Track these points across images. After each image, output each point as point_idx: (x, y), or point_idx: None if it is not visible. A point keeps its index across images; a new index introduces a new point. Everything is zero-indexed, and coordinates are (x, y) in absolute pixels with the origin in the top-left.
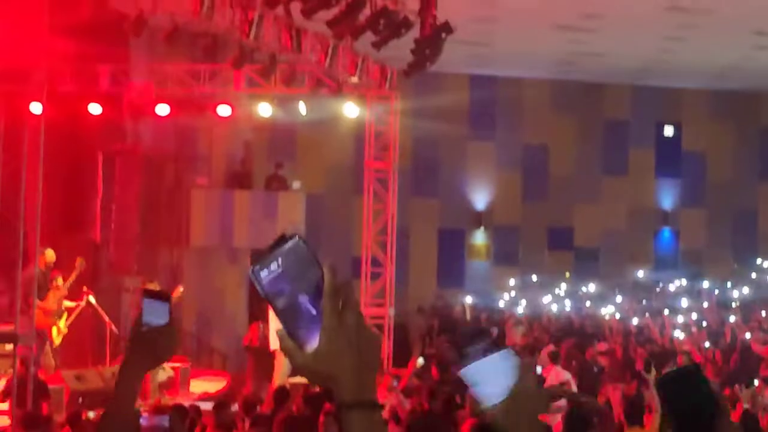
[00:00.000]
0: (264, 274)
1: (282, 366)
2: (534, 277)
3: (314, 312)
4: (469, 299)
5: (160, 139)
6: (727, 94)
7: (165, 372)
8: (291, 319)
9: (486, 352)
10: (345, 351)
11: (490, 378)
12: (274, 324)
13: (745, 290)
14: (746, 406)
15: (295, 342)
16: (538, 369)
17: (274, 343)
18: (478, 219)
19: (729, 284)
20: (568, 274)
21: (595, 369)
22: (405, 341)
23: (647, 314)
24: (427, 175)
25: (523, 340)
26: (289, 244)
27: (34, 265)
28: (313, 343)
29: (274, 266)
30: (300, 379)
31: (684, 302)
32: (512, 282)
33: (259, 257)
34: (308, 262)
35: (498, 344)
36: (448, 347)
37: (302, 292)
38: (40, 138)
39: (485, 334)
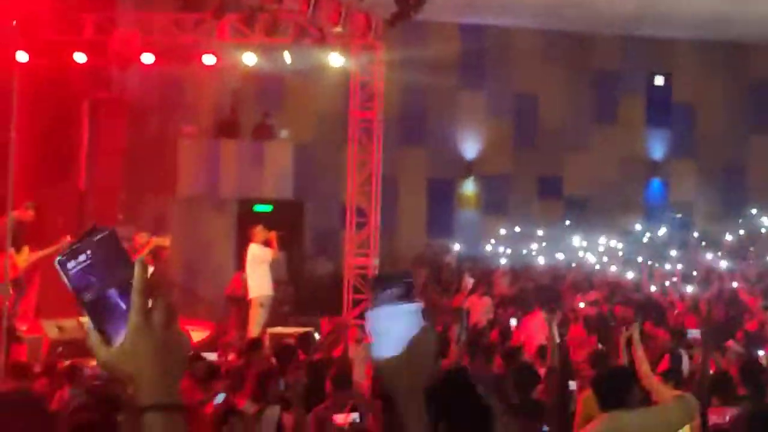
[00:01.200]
0: (71, 265)
1: (257, 316)
2: (520, 228)
3: (123, 307)
4: (455, 248)
5: (146, 88)
6: (718, 46)
7: None
8: (98, 312)
9: (395, 300)
10: (148, 352)
11: (391, 328)
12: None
13: (734, 241)
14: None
15: (102, 336)
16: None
17: (251, 292)
18: (468, 168)
19: (717, 234)
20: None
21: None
22: None
23: (635, 264)
24: (416, 124)
25: (509, 289)
26: (100, 235)
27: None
28: (119, 339)
29: (82, 257)
30: (280, 329)
31: (672, 252)
32: (502, 231)
33: (69, 249)
34: (119, 255)
35: (411, 294)
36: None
37: (112, 285)
38: (14, 85)
39: (401, 279)
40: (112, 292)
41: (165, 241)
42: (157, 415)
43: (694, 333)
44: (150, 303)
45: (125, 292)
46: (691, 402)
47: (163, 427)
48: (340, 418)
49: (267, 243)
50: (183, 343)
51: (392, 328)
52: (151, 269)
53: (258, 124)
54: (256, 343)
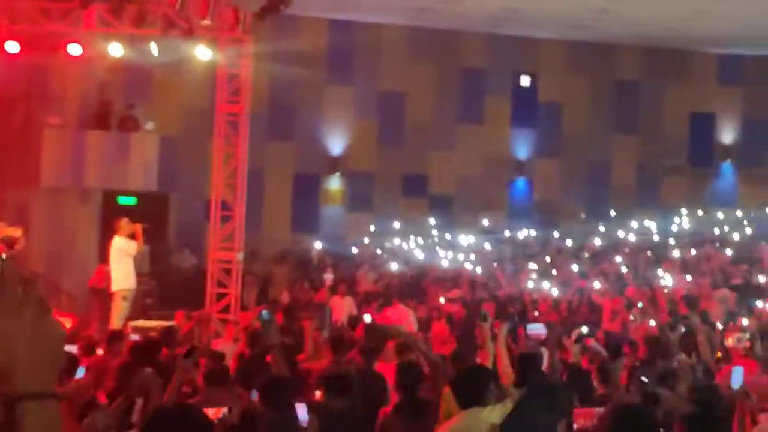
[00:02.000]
0: None
1: (120, 309)
2: (385, 225)
3: None
4: (318, 245)
5: (11, 77)
6: (583, 46)
7: None
8: None
9: None
10: (20, 343)
11: None
12: (116, 266)
13: (596, 241)
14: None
15: None
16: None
17: (114, 285)
18: (334, 164)
19: (579, 235)
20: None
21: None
22: (264, 290)
23: (497, 263)
24: (284, 119)
25: (373, 287)
26: None
27: None
28: None
29: None
30: (142, 323)
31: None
32: (367, 228)
33: None
34: None
35: None
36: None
37: None
38: None
39: None
40: None
41: (17, 231)
42: (30, 404)
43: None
44: (19, 295)
45: None
46: None
47: (36, 415)
48: (210, 412)
49: (132, 236)
50: (57, 334)
51: None
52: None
53: (123, 116)
54: (117, 335)
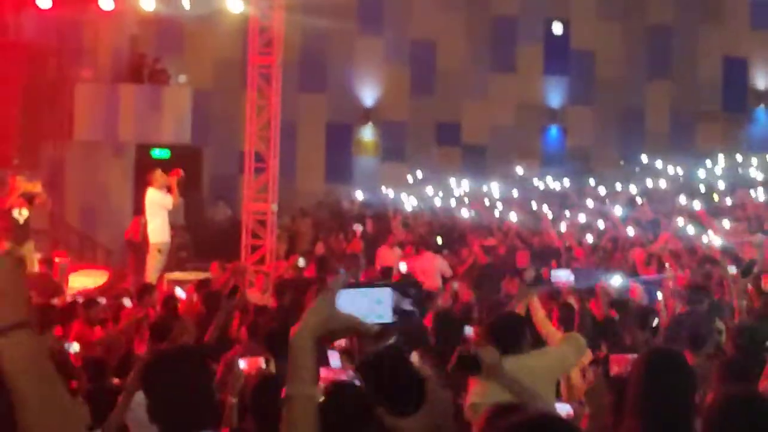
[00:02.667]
0: None
1: (155, 261)
2: (421, 173)
3: None
4: (358, 195)
5: (43, 32)
6: None
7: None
8: None
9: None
10: None
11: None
12: (151, 219)
13: (631, 188)
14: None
15: None
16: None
17: (150, 238)
18: (366, 114)
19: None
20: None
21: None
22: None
23: (535, 211)
24: (315, 70)
25: (407, 235)
26: None
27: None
28: None
29: None
30: (177, 275)
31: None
32: (401, 178)
33: None
34: None
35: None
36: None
37: None
38: None
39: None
40: None
41: (36, 186)
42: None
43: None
44: None
45: None
46: (579, 339)
47: (11, 349)
48: (247, 363)
49: (167, 188)
50: (6, 264)
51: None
52: (26, 213)
53: (154, 69)
54: (147, 288)
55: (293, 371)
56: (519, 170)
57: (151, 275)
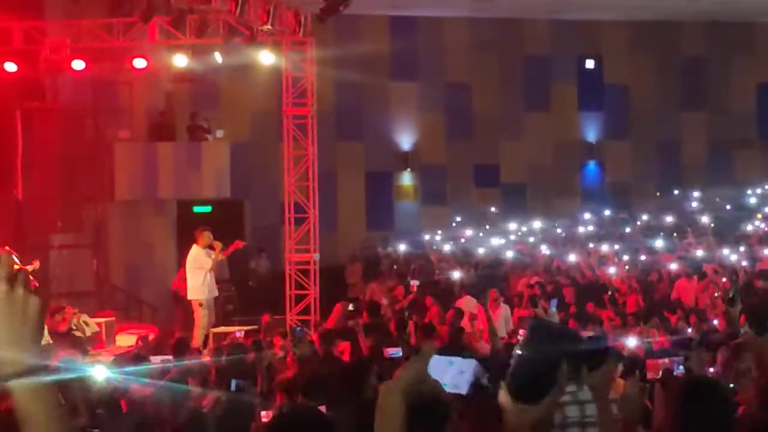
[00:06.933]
0: None
1: (200, 317)
2: (461, 216)
3: None
4: (401, 247)
5: (79, 94)
6: (647, 25)
7: (90, 328)
8: None
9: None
10: None
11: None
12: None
13: (670, 220)
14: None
15: None
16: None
17: (189, 294)
18: (405, 160)
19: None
20: (494, 209)
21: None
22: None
23: (577, 248)
24: (351, 118)
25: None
26: None
27: None
28: None
29: None
30: (223, 329)
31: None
32: (442, 221)
33: None
34: None
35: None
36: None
37: None
38: None
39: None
40: None
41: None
42: (18, 383)
43: None
44: None
45: None
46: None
47: (27, 393)
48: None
49: (211, 247)
50: (31, 307)
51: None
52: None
53: (191, 126)
54: (183, 344)
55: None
56: (560, 207)
57: (199, 332)
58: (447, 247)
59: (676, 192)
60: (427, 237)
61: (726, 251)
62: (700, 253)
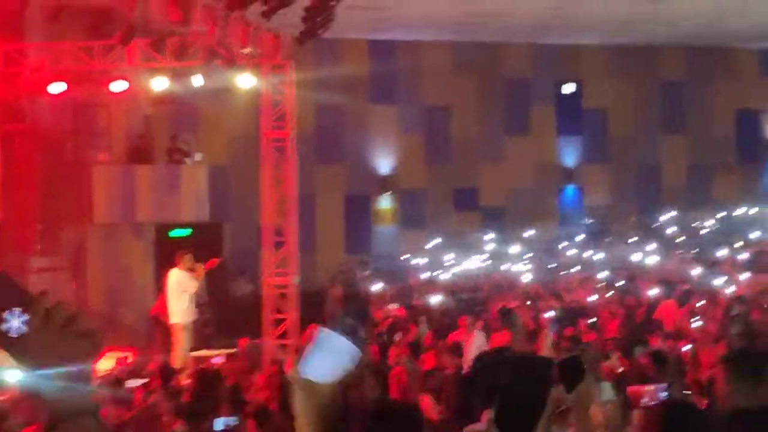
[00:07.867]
0: None
1: (181, 341)
2: (443, 240)
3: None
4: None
5: (58, 116)
6: (626, 49)
7: None
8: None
9: (347, 332)
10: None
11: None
12: (173, 300)
13: (651, 245)
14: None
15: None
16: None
17: (172, 318)
18: (384, 183)
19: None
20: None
21: None
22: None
23: (554, 272)
24: (330, 142)
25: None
26: None
27: None
28: None
29: None
30: (203, 352)
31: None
32: (421, 245)
33: None
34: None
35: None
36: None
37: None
38: None
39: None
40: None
41: None
42: (67, 427)
43: None
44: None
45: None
46: None
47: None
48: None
49: (192, 270)
50: (81, 348)
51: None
52: None
53: (169, 148)
54: (168, 369)
55: None
56: (536, 232)
57: (179, 355)
58: (426, 272)
59: (655, 215)
60: (405, 260)
61: (705, 275)
62: (680, 275)
